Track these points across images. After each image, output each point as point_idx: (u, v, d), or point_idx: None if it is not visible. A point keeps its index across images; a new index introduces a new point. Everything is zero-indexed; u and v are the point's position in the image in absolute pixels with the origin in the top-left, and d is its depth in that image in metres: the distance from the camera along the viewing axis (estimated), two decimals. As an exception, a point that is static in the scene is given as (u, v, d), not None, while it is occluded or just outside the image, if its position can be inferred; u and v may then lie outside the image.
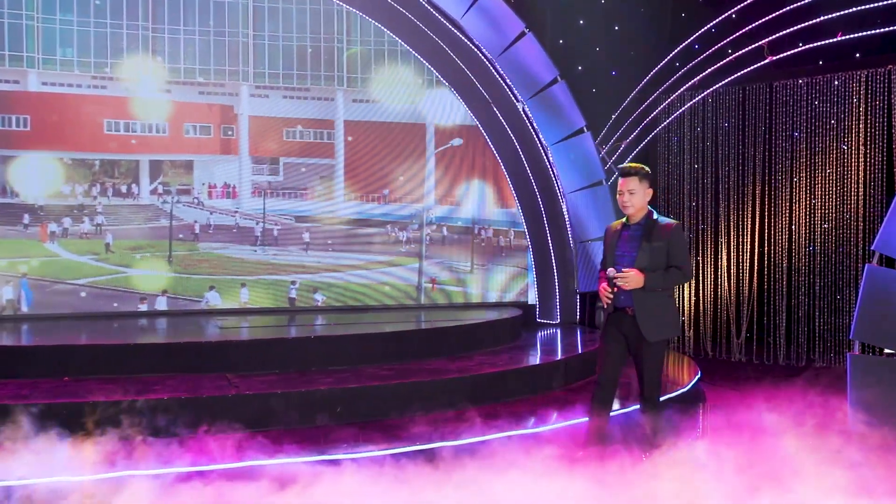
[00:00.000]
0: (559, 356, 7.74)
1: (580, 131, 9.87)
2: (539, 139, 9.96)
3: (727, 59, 9.38)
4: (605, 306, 4.78)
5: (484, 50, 9.74)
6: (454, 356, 7.59)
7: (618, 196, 4.82)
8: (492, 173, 10.20)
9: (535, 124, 9.92)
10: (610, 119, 10.33)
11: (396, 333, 7.49)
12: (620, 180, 4.80)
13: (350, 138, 9.73)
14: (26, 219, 8.70)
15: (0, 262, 8.57)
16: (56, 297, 8.76)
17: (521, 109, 9.92)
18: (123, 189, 9.03)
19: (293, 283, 9.53)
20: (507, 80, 9.84)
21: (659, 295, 4.67)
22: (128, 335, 7.78)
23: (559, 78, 9.73)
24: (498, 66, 9.79)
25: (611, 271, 4.63)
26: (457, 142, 10.12)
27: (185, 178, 9.24)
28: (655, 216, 4.82)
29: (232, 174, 9.36)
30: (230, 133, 9.33)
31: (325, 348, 6.99)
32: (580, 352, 8.17)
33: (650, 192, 4.80)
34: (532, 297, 10.24)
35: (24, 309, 8.63)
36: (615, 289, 4.60)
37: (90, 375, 6.57)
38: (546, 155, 9.98)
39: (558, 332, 9.70)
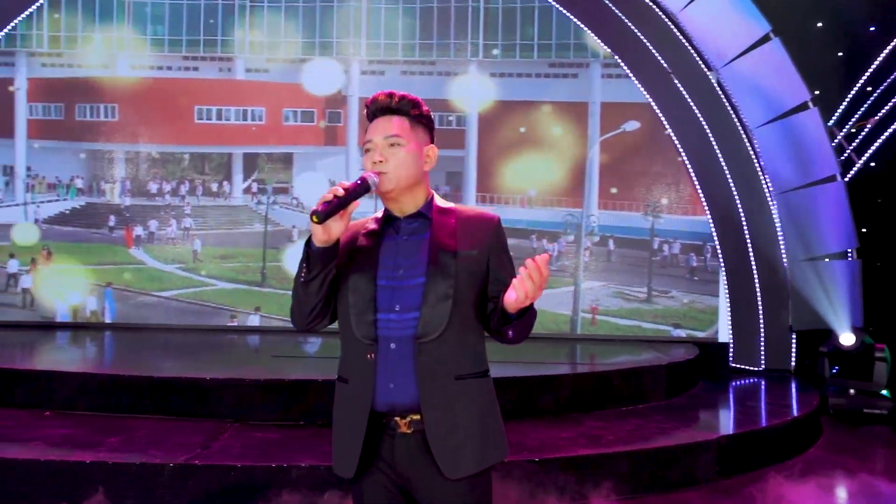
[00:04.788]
0: (719, 429, 5.14)
1: (802, 107, 7.03)
2: (739, 119, 7.24)
3: None
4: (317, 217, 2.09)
5: (661, 2, 7.26)
6: (559, 417, 5.33)
7: (364, 154, 2.30)
8: (677, 168, 7.62)
9: (733, 100, 7.22)
10: (852, 90, 7.34)
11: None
12: (372, 123, 2.30)
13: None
14: (112, 221, 7.72)
15: (84, 269, 7.67)
16: (141, 309, 7.68)
17: (713, 81, 7.27)
18: (214, 187, 7.77)
19: (409, 304, 7.67)
20: (694, 42, 7.25)
21: (468, 376, 2.22)
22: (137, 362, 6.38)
23: (771, 35, 6.99)
24: (681, 23, 7.25)
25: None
26: (630, 126, 7.67)
27: (283, 173, 7.77)
28: (444, 203, 2.34)
29: (338, 169, 7.73)
30: (336, 120, 7.73)
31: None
32: (761, 425, 5.43)
33: (432, 153, 2.32)
34: (725, 334, 7.47)
35: (108, 321, 7.65)
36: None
37: (75, 410, 5.31)
38: (749, 141, 7.23)
39: (759, 384, 6.94)
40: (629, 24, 7.28)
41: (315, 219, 2.07)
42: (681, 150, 7.42)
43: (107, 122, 7.70)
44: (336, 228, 2.12)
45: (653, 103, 7.39)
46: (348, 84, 7.67)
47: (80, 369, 5.99)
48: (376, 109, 2.28)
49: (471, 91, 7.69)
